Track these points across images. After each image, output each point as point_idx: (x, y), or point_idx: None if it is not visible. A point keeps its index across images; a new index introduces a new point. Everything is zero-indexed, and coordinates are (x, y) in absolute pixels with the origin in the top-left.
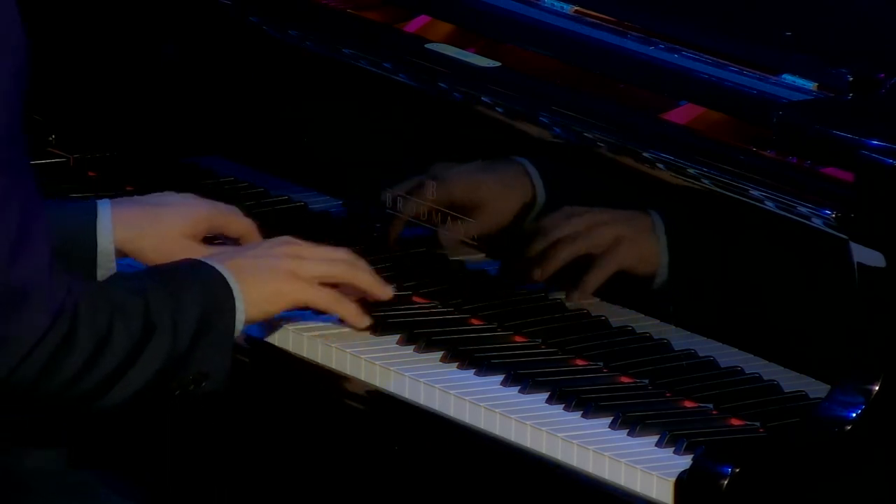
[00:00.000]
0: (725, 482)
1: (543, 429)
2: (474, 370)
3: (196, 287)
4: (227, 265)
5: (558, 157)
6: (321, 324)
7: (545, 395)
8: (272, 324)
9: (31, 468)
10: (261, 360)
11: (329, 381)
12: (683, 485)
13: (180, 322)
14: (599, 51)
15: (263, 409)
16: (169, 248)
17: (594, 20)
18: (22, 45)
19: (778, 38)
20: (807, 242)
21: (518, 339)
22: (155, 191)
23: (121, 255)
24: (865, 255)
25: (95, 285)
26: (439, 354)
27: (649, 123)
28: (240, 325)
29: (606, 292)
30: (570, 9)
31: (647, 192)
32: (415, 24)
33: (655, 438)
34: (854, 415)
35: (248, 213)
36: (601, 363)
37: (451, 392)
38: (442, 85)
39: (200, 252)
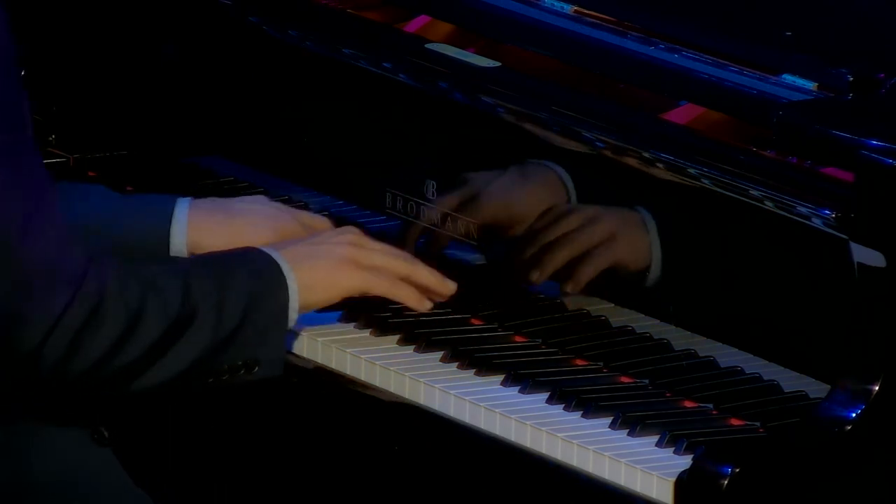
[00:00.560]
0: (725, 482)
1: (543, 429)
2: (474, 370)
3: (244, 271)
4: (283, 252)
5: (558, 157)
6: (319, 326)
7: (545, 395)
8: None
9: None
10: None
11: (328, 381)
12: (683, 485)
13: (226, 306)
14: (599, 51)
15: (263, 408)
16: None
17: (594, 20)
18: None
19: (778, 38)
20: (807, 242)
21: (518, 339)
22: (155, 191)
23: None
24: (865, 255)
25: (129, 264)
26: (439, 354)
27: (649, 123)
28: (294, 311)
29: (606, 292)
30: (570, 9)
31: (647, 192)
32: (415, 24)
33: (655, 438)
34: (854, 415)
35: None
36: (601, 363)
37: (452, 392)
38: (442, 85)
39: None
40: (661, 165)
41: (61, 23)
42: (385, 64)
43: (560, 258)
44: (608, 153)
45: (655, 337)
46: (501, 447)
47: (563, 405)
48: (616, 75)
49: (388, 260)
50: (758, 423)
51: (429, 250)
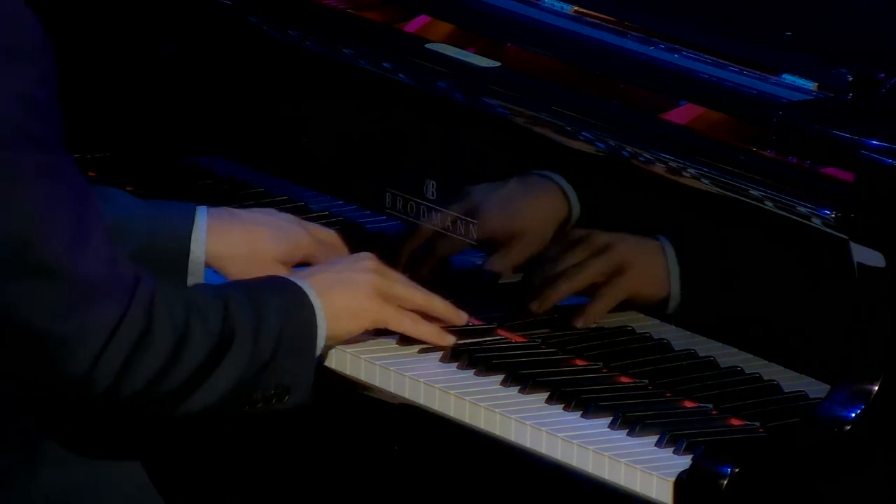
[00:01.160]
0: (725, 482)
1: (543, 429)
2: (474, 370)
3: (277, 300)
4: (310, 281)
5: (558, 157)
6: None
7: (545, 395)
8: None
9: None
10: None
11: (328, 381)
12: (683, 485)
13: (262, 331)
14: (599, 51)
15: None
16: (258, 269)
17: (594, 20)
18: (39, 46)
19: (778, 38)
20: (807, 242)
21: (518, 339)
22: (155, 191)
23: (206, 265)
24: (865, 255)
25: (169, 283)
26: (439, 354)
27: (649, 123)
28: (321, 340)
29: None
30: (570, 9)
31: (646, 192)
32: (415, 24)
33: (655, 438)
34: (854, 415)
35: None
36: (601, 363)
37: (451, 392)
38: (442, 85)
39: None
40: (660, 165)
41: (61, 23)
42: (385, 64)
43: (558, 260)
44: (608, 153)
45: (655, 337)
46: (501, 447)
47: (563, 405)
48: (616, 75)
49: (407, 291)
50: (758, 423)
51: (428, 250)
